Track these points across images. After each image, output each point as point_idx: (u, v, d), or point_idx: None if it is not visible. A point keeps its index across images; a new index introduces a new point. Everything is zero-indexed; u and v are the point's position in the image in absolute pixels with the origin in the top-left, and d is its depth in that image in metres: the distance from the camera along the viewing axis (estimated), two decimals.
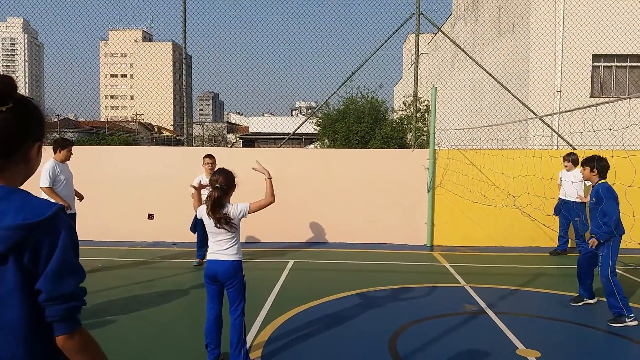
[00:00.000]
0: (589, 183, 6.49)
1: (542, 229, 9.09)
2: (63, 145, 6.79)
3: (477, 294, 6.28)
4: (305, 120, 11.32)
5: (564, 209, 8.52)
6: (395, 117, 22.49)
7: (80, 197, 7.27)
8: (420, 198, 9.70)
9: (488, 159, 9.36)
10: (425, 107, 21.08)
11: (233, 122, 52.87)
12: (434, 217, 9.65)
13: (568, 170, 8.35)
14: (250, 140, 34.42)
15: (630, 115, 12.72)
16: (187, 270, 7.57)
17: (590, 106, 5.11)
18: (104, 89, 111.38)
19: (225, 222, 3.90)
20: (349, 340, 4.72)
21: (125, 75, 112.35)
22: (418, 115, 19.77)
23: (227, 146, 30.97)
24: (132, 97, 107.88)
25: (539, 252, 9.10)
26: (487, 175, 9.32)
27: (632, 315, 5.15)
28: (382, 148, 17.28)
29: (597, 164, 5.35)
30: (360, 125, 20.66)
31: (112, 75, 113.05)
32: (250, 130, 38.63)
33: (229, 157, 10.02)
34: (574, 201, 8.30)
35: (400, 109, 22.98)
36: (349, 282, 6.82)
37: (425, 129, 19.40)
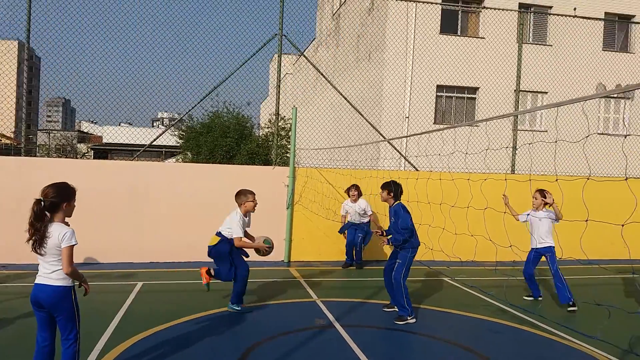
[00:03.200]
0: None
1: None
2: None
3: (328, 308, 6.51)
4: (164, 131, 10.88)
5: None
6: (261, 134, 22.67)
7: None
8: (280, 215, 9.84)
9: (341, 178, 9.84)
10: (289, 125, 21.57)
11: (85, 130, 48.92)
12: (292, 233, 9.85)
13: (354, 202, 9.23)
14: (104, 152, 32.11)
15: (470, 142, 14.33)
16: (18, 295, 6.75)
17: (429, 132, 5.64)
18: None
19: (39, 243, 3.49)
20: None
21: None
22: (283, 133, 20.19)
23: (76, 157, 28.52)
24: None
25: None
26: (340, 193, 9.78)
27: (412, 314, 6.06)
28: (247, 164, 17.26)
29: (394, 188, 6.18)
30: (226, 140, 20.45)
31: None
32: (104, 141, 36.04)
33: (77, 169, 9.25)
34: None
35: (266, 126, 23.26)
36: (201, 303, 6.63)
37: (289, 147, 19.83)
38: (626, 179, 3.03)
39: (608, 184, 9.47)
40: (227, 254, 6.16)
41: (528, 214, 7.09)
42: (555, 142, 5.10)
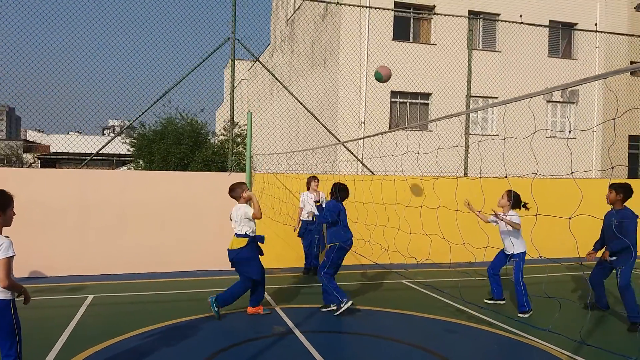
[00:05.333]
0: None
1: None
2: None
3: (287, 315, 6.43)
4: (112, 138, 10.53)
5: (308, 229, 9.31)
6: (216, 141, 22.37)
7: None
8: None
9: (298, 183, 9.79)
10: (245, 132, 21.37)
11: (31, 139, 46.94)
12: None
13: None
14: (52, 161, 30.90)
15: (422, 146, 14.57)
16: None
17: (384, 132, 5.68)
18: None
19: None
20: None
21: None
22: (239, 140, 19.96)
23: (22, 167, 27.28)
24: None
25: (346, 269, 9.71)
26: (297, 197, 9.72)
27: (344, 299, 6.34)
28: (203, 171, 16.94)
29: (335, 190, 6.73)
30: (180, 147, 20.07)
31: None
32: (52, 150, 34.69)
33: (21, 179, 8.79)
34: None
35: (221, 133, 22.98)
36: (155, 315, 6.41)
37: (245, 153, 19.60)
38: (572, 173, 3.11)
39: (555, 184, 9.84)
40: (254, 257, 6.34)
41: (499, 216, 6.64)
42: (504, 138, 5.22)
